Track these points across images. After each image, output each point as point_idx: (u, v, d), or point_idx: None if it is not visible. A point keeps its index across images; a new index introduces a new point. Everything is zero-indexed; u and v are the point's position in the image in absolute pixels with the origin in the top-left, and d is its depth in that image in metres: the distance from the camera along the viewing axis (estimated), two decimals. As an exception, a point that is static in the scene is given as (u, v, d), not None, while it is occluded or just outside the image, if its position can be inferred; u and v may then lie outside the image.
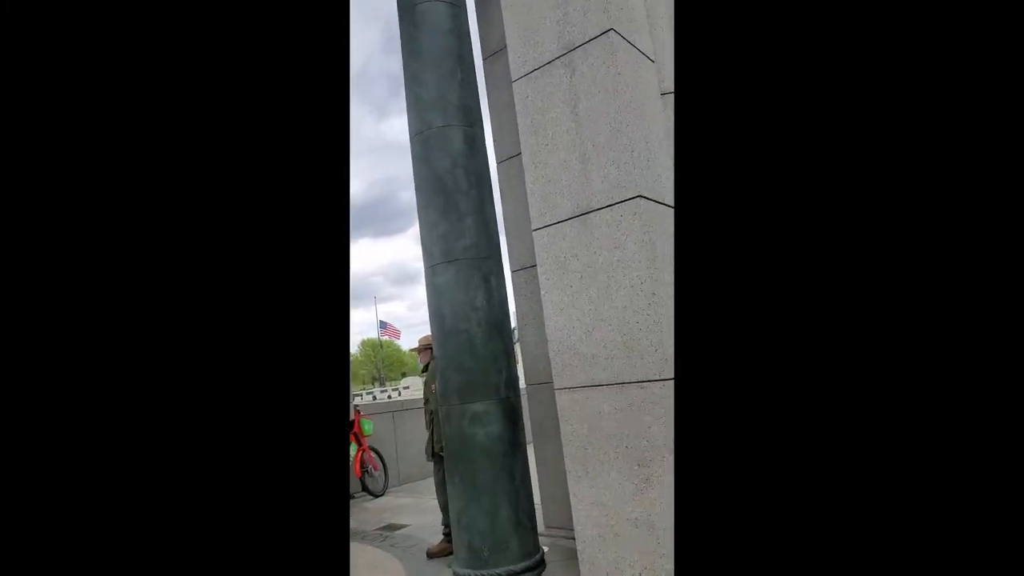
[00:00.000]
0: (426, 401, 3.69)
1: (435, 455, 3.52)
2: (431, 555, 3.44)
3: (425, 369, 3.78)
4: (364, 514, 4.91)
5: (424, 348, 3.75)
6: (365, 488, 5.60)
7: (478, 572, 2.83)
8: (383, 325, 39.70)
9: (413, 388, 42.03)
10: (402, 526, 4.33)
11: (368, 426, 5.68)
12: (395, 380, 52.26)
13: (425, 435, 3.72)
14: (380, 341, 47.74)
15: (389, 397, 31.52)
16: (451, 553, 3.43)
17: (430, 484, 6.30)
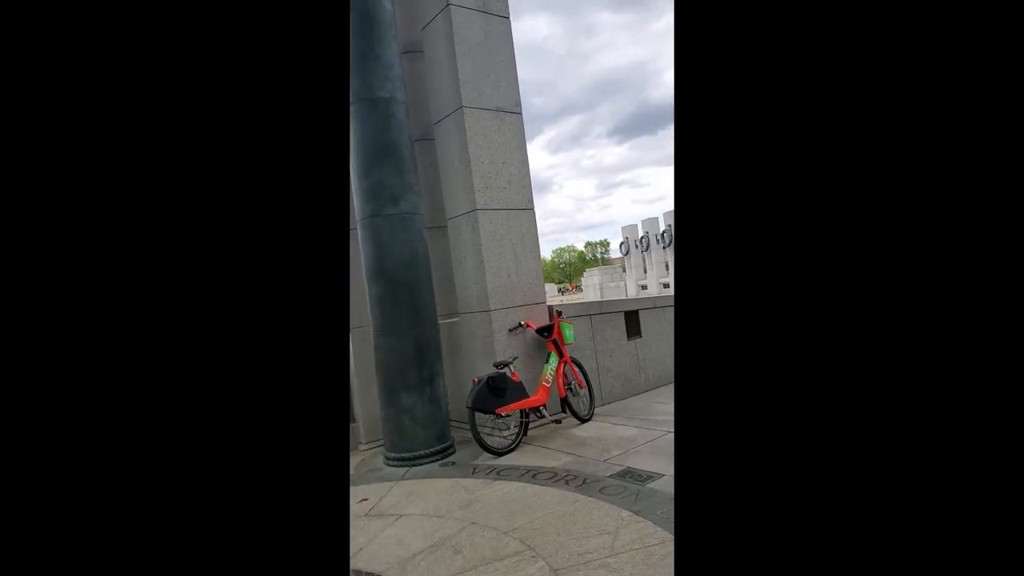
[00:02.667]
0: None
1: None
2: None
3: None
4: (582, 448, 3.66)
5: None
6: (569, 408, 4.39)
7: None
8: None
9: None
10: (649, 475, 2.98)
11: (569, 332, 4.36)
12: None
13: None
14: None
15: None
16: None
17: (643, 405, 4.80)
